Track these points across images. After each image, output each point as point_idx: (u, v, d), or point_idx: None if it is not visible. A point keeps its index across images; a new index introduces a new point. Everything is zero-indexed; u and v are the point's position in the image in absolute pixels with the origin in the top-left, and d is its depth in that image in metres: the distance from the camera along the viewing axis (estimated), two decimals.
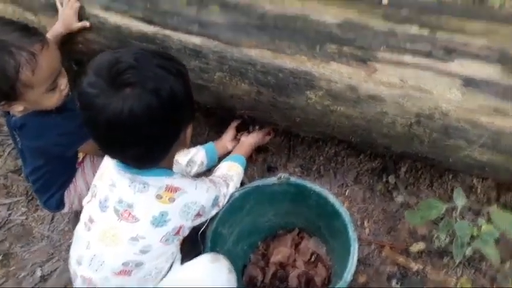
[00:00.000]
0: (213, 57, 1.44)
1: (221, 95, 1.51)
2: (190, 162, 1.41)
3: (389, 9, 1.40)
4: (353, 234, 1.20)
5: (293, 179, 1.35)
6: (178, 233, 1.01)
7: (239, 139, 1.59)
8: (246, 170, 1.47)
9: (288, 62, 1.40)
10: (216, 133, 1.82)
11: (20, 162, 1.66)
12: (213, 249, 1.20)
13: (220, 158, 1.52)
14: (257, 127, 1.66)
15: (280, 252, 1.42)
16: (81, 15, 1.55)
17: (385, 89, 1.36)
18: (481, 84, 1.32)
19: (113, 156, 0.98)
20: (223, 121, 1.83)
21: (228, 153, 1.56)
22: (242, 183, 1.40)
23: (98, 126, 0.87)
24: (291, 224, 1.50)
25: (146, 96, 0.84)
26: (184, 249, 1.17)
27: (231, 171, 1.34)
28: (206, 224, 1.22)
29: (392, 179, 1.65)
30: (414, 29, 1.36)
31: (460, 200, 1.34)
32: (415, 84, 1.34)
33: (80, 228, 1.05)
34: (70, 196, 1.43)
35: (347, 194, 1.66)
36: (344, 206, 1.29)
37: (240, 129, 1.63)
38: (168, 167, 1.03)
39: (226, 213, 1.30)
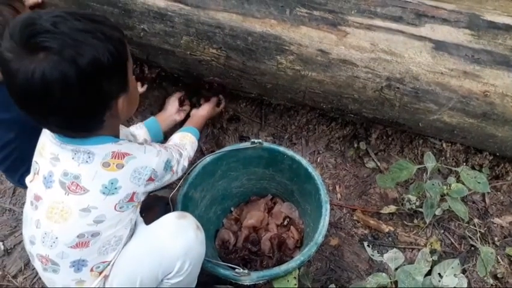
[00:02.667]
0: (179, 20, 1.38)
1: (188, 61, 1.46)
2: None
3: None
4: (324, 196, 1.20)
5: (266, 143, 1.34)
6: (131, 199, 0.96)
7: (184, 110, 1.53)
8: (200, 140, 1.43)
9: (258, 26, 1.36)
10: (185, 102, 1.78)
11: None
12: None
13: (171, 132, 1.42)
14: (202, 100, 1.59)
15: (253, 216, 1.42)
16: None
17: (356, 53, 1.34)
18: (450, 48, 1.32)
19: (41, 125, 0.92)
20: (191, 90, 1.79)
21: (177, 126, 1.48)
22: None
23: (15, 93, 0.82)
24: (264, 189, 1.49)
25: (62, 65, 0.77)
26: (156, 217, 1.13)
27: (184, 140, 1.29)
28: (176, 188, 1.20)
29: (363, 145, 1.66)
30: None
31: (430, 163, 1.36)
32: (386, 48, 1.33)
33: (27, 208, 1.00)
34: None
35: (318, 161, 1.65)
36: (317, 170, 1.29)
37: (182, 102, 1.55)
38: (113, 134, 0.96)
39: (198, 178, 1.29)
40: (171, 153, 1.08)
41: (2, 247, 1.46)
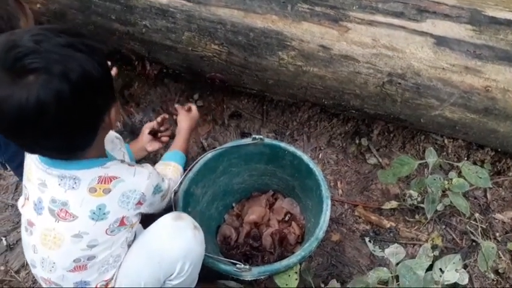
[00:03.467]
0: (181, 16, 1.38)
1: (190, 57, 1.46)
2: None
3: None
4: (325, 192, 1.20)
5: (268, 140, 1.34)
6: (122, 223, 0.94)
7: (160, 137, 1.39)
8: (186, 164, 1.31)
9: (259, 21, 1.37)
10: (186, 98, 1.79)
11: None
12: (184, 210, 1.17)
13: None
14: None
15: (255, 212, 1.42)
16: None
17: (357, 48, 1.34)
18: (452, 44, 1.32)
19: (30, 151, 0.89)
20: (193, 86, 1.79)
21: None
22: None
23: (4, 121, 0.76)
24: (266, 185, 1.49)
25: (54, 82, 0.73)
26: (160, 214, 1.13)
27: (165, 171, 1.23)
28: (178, 184, 1.19)
29: (364, 141, 1.66)
30: None
31: (432, 158, 1.36)
32: (387, 44, 1.33)
33: (23, 232, 1.00)
34: None
35: (320, 157, 1.65)
36: (318, 166, 1.29)
37: (155, 134, 1.41)
38: (99, 155, 0.93)
39: (199, 174, 1.29)
40: (162, 179, 1.05)
41: (5, 242, 1.47)
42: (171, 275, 1.01)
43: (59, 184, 0.89)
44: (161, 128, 1.39)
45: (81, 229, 0.90)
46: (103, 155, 0.95)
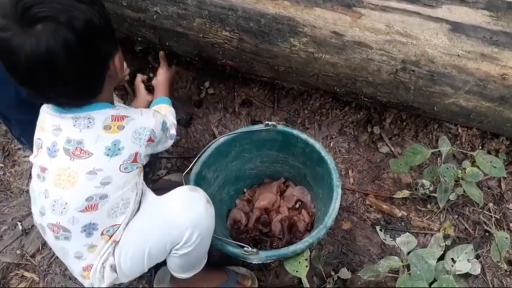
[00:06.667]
0: (192, 2, 1.37)
1: (201, 44, 1.45)
2: None
3: None
4: (336, 180, 1.20)
5: (280, 126, 1.34)
6: (135, 160, 0.99)
7: (151, 89, 1.46)
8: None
9: (271, 7, 1.35)
10: (197, 86, 1.78)
11: None
12: None
13: None
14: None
15: (266, 198, 1.43)
16: None
17: (371, 34, 1.32)
18: (468, 30, 1.29)
19: (46, 99, 0.96)
20: (203, 74, 1.79)
21: None
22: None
23: (20, 70, 0.83)
24: (277, 173, 1.50)
25: (61, 30, 0.80)
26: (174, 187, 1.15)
27: (161, 112, 1.25)
28: (188, 169, 1.21)
29: (376, 130, 1.64)
30: None
31: (445, 147, 1.34)
32: (401, 30, 1.31)
33: (33, 182, 1.03)
34: None
35: (331, 145, 1.65)
36: (330, 154, 1.28)
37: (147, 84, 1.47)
38: (108, 101, 1.00)
39: (211, 157, 1.30)
40: (165, 116, 1.12)
41: (20, 227, 1.50)
42: (178, 244, 1.03)
43: (74, 125, 0.95)
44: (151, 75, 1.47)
45: (96, 165, 0.94)
46: (111, 102, 1.02)
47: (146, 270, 1.08)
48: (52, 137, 0.96)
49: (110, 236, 1.02)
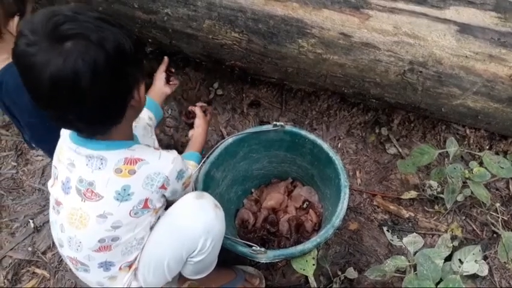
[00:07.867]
0: (202, 4, 1.39)
1: (210, 45, 1.47)
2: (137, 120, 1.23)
3: None
4: (344, 181, 1.21)
5: (288, 127, 1.35)
6: (146, 206, 0.96)
7: (173, 84, 1.43)
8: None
9: (280, 9, 1.36)
10: (206, 87, 1.80)
11: (7, 117, 1.64)
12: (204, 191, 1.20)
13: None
14: (188, 117, 1.46)
15: (273, 198, 1.44)
16: None
17: (378, 36, 1.33)
18: (476, 31, 1.29)
19: (64, 123, 0.91)
20: (213, 75, 1.81)
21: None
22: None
23: (41, 87, 0.79)
24: (285, 173, 1.51)
25: (91, 48, 0.77)
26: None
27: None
28: (198, 168, 1.22)
29: (384, 131, 1.65)
30: None
31: (453, 148, 1.34)
32: (409, 31, 1.31)
33: (51, 211, 1.04)
34: None
35: (339, 146, 1.65)
36: (337, 155, 1.29)
37: (169, 76, 1.45)
38: (126, 138, 0.96)
39: (220, 158, 1.32)
40: (186, 166, 1.07)
41: (32, 225, 1.52)
42: (193, 252, 1.03)
43: (87, 164, 0.92)
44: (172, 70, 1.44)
45: (106, 209, 0.93)
46: (130, 138, 0.98)
47: (170, 279, 1.09)
48: (66, 172, 0.95)
49: (130, 266, 1.03)
